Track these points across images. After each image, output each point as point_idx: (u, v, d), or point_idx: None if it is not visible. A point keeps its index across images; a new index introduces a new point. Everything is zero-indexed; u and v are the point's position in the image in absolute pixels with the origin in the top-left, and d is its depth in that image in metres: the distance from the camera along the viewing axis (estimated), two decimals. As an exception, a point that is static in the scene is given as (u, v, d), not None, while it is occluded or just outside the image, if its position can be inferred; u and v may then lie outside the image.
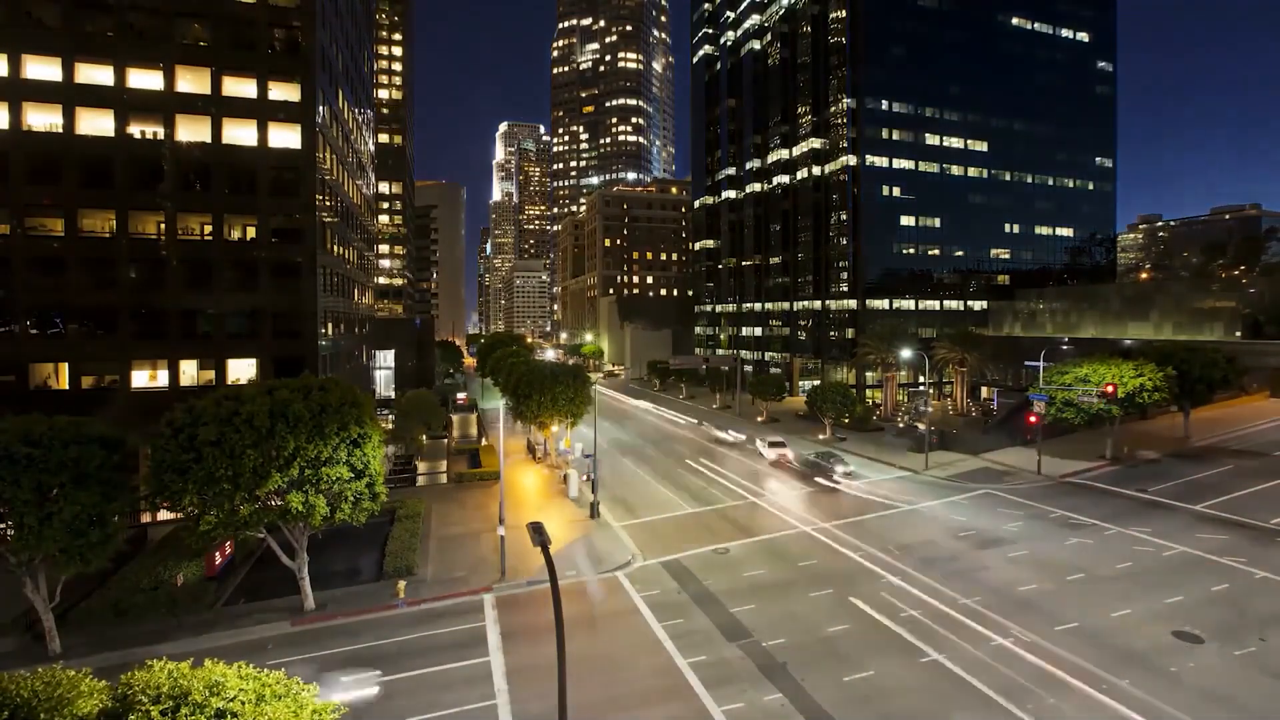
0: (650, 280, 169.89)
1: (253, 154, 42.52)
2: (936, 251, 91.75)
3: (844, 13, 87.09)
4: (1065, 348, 66.70)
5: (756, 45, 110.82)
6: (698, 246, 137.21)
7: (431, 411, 58.09)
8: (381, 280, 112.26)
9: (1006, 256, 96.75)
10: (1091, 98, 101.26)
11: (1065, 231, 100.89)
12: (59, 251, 39.48)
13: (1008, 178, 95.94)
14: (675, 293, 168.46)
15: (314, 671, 21.43)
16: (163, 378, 41.14)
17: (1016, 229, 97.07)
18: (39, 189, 39.22)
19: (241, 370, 42.64)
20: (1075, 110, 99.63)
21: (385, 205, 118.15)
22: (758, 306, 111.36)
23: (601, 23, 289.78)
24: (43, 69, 39.20)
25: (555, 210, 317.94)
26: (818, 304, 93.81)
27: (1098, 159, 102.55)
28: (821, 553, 32.45)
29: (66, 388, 39.63)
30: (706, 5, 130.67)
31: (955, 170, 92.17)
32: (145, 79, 40.73)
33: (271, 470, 23.98)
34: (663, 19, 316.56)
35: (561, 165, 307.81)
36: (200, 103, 41.43)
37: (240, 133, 42.50)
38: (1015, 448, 52.85)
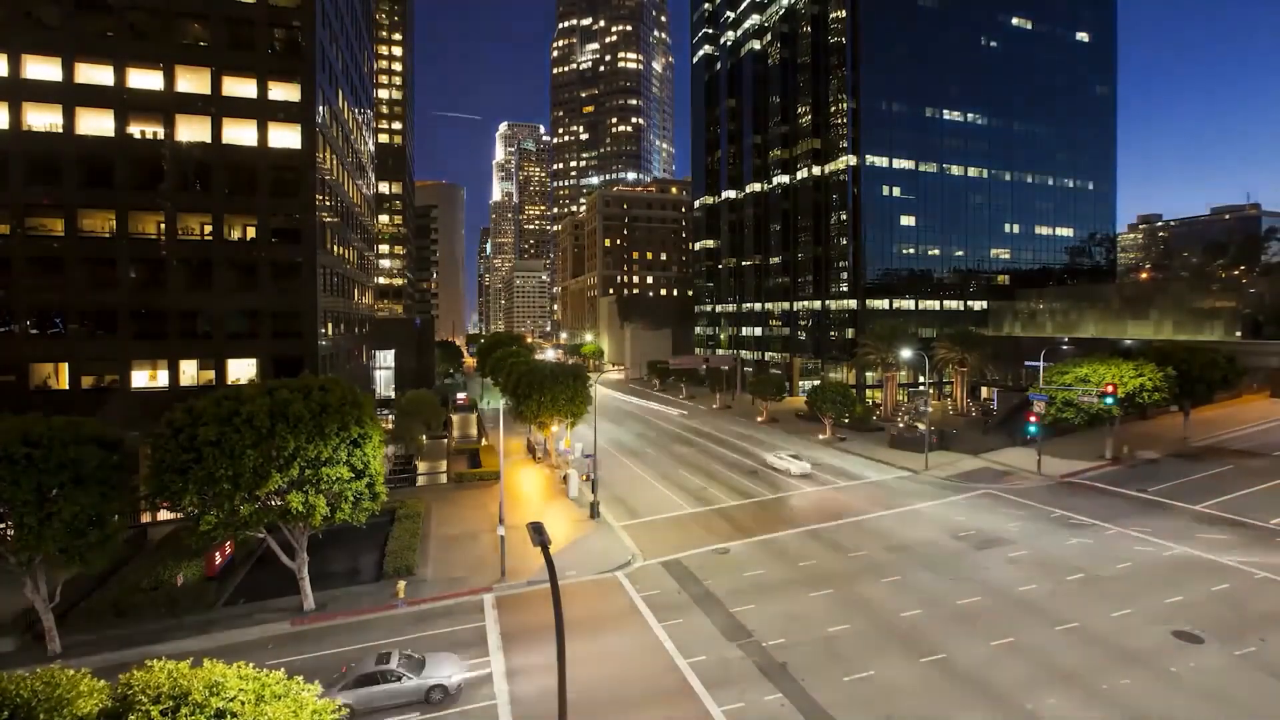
0: (650, 280, 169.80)
1: (253, 154, 42.49)
2: (936, 251, 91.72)
3: (844, 13, 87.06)
4: (1065, 348, 66.67)
5: (756, 45, 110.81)
6: (698, 246, 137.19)
7: (431, 411, 58.10)
8: (381, 280, 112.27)
9: (1006, 256, 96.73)
10: (1091, 98, 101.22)
11: (1065, 231, 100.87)
12: (59, 251, 39.46)
13: (1008, 178, 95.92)
14: (675, 293, 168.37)
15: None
16: (163, 378, 41.12)
17: (1016, 229, 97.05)
18: (39, 189, 39.20)
19: (241, 370, 42.62)
20: (1075, 110, 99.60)
21: (385, 205, 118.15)
22: (758, 306, 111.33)
23: (601, 23, 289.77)
24: (43, 69, 39.18)
25: (555, 210, 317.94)
26: (818, 304, 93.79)
27: (1098, 159, 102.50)
28: (822, 553, 32.44)
29: (66, 388, 39.60)
30: (706, 5, 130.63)
31: (955, 170, 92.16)
32: (145, 79, 40.71)
33: (271, 470, 23.98)
34: (663, 19, 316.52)
35: (561, 165, 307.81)
36: (200, 103, 41.41)
37: (240, 133, 42.47)
38: (1015, 448, 52.84)
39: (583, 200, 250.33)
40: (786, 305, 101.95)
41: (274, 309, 43.05)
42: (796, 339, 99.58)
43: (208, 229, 42.43)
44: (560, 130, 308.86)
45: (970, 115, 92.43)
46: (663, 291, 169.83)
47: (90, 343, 39.91)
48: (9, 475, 21.71)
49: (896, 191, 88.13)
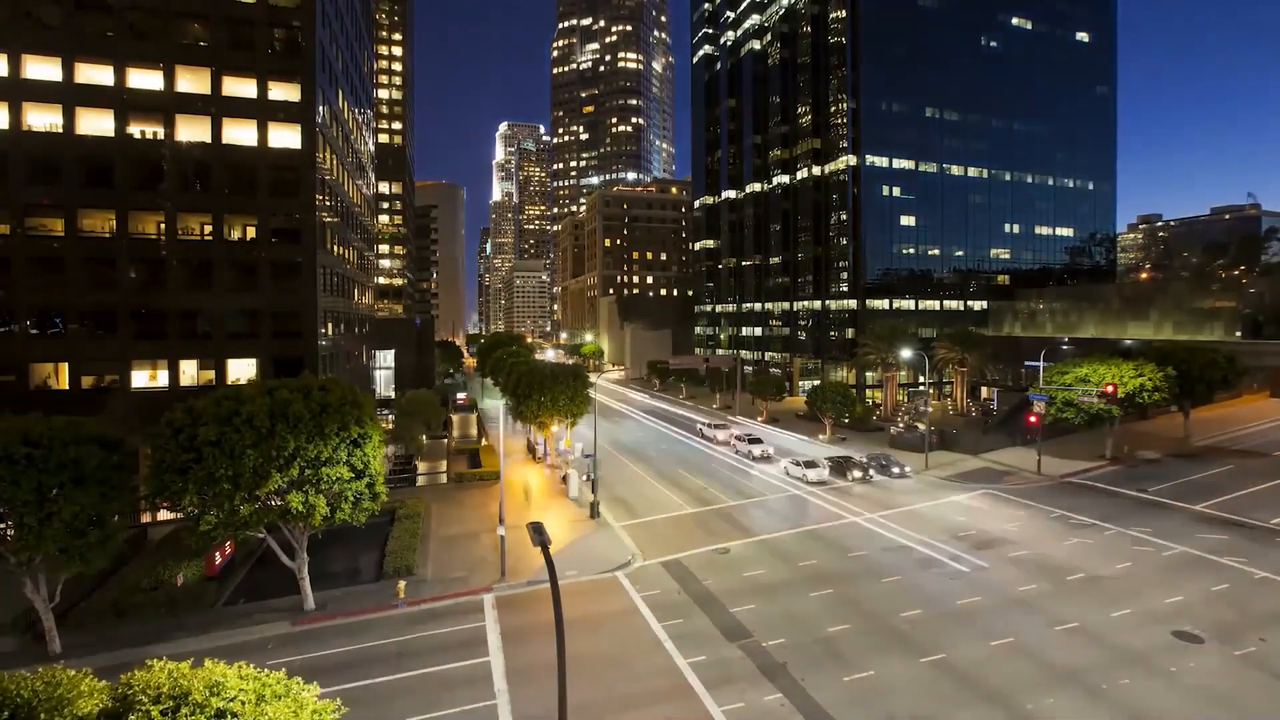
0: (650, 280, 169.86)
1: (253, 154, 42.48)
2: (936, 251, 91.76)
3: (844, 13, 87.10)
4: (1065, 348, 66.70)
5: (756, 45, 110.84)
6: (698, 246, 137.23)
7: (431, 411, 58.06)
8: (381, 280, 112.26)
9: (1006, 256, 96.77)
10: (1091, 98, 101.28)
11: (1065, 231, 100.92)
12: (59, 251, 39.45)
13: (1008, 178, 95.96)
14: (675, 293, 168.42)
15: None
16: (163, 378, 41.12)
17: (1016, 229, 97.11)
18: (39, 189, 39.20)
19: (241, 370, 42.61)
20: (1075, 110, 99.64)
21: (385, 205, 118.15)
22: (758, 306, 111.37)
23: (601, 23, 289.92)
24: (43, 69, 39.17)
25: (555, 210, 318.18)
26: (818, 304, 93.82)
27: (1098, 159, 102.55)
28: (821, 553, 32.44)
29: (66, 388, 39.60)
30: (706, 5, 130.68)
31: (955, 170, 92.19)
32: (145, 79, 40.70)
33: (271, 470, 23.97)
34: (663, 19, 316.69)
35: (561, 165, 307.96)
36: (200, 103, 41.40)
37: (240, 133, 42.47)
38: (1015, 448, 52.84)
39: (583, 200, 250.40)
40: (786, 305, 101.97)
41: (274, 309, 43.05)
42: (796, 339, 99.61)
43: (208, 229, 42.42)
44: (560, 130, 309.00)
45: (970, 115, 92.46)
46: (663, 291, 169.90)
47: (90, 343, 39.90)
48: (9, 475, 21.69)
49: (896, 191, 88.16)
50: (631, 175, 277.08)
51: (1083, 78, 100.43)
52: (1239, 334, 67.92)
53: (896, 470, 46.93)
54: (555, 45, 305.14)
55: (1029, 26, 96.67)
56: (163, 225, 41.12)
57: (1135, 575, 28.47)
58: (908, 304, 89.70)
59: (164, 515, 30.87)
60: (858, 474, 46.34)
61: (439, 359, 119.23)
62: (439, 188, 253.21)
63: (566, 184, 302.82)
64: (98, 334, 40.12)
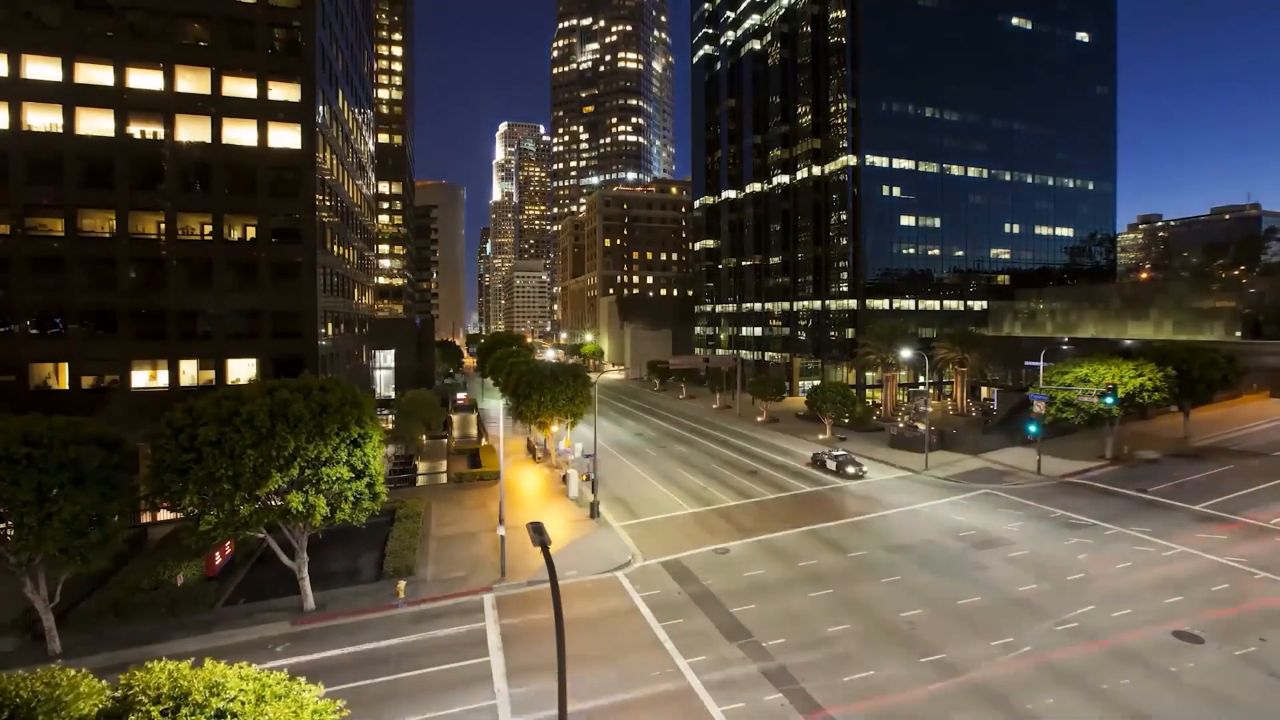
0: (650, 280, 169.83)
1: (253, 154, 42.48)
2: (936, 251, 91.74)
3: (844, 13, 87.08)
4: (1065, 348, 66.69)
5: (756, 45, 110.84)
6: (698, 246, 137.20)
7: (431, 411, 58.05)
8: (381, 280, 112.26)
9: (1006, 256, 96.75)
10: (1091, 97, 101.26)
11: (1065, 231, 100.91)
12: (59, 251, 39.44)
13: (1008, 178, 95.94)
14: (675, 293, 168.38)
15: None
16: (163, 378, 41.12)
17: (1016, 229, 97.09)
18: (39, 189, 39.19)
19: (241, 370, 42.61)
20: (1075, 110, 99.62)
21: (385, 205, 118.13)
22: (758, 306, 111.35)
23: (601, 23, 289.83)
24: (43, 69, 39.17)
25: (555, 210, 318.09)
26: (818, 304, 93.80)
27: (1098, 159, 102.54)
28: (822, 553, 32.44)
29: (66, 388, 39.59)
30: (706, 5, 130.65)
31: (955, 170, 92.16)
32: (145, 79, 40.69)
33: (271, 470, 23.98)
34: (663, 19, 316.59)
35: (561, 165, 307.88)
36: (200, 103, 41.39)
37: (240, 133, 42.46)
38: (1015, 448, 52.82)
39: (583, 200, 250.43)
40: (786, 305, 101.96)
41: (274, 309, 43.04)
42: (796, 339, 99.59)
43: (208, 229, 42.42)
44: (560, 130, 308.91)
45: (970, 115, 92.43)
46: (663, 291, 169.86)
47: (90, 343, 39.90)
48: (9, 475, 21.70)
49: (896, 191, 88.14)
50: (631, 175, 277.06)
51: (1083, 78, 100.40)
52: (1239, 334, 67.93)
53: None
54: (555, 45, 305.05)
55: (1029, 26, 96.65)
56: (163, 225, 41.11)
57: (1135, 575, 28.47)
58: (908, 304, 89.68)
59: (164, 515, 30.91)
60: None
61: (439, 359, 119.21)
62: (439, 188, 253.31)
63: (566, 184, 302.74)
64: (98, 334, 40.11)
